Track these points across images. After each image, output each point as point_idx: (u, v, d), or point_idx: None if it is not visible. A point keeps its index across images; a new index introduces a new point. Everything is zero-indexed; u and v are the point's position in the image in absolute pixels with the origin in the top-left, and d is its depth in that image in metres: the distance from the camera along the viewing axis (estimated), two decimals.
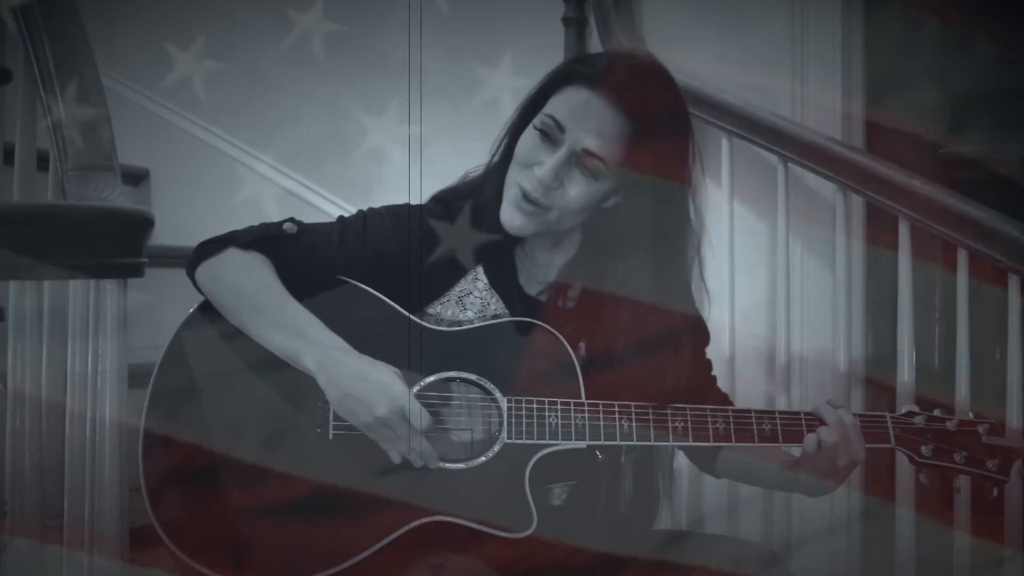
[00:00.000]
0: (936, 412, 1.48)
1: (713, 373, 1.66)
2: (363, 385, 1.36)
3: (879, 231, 2.37)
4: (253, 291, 1.44)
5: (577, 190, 1.44)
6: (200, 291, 1.48)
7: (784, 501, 2.32)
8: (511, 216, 1.46)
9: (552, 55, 2.55)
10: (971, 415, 1.49)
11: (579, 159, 1.42)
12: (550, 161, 1.42)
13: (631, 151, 1.42)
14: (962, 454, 1.45)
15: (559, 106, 1.44)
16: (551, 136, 1.43)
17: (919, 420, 1.47)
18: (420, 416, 1.36)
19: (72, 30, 1.76)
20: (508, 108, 1.56)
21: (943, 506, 2.04)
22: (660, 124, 1.44)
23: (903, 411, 1.48)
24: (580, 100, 1.42)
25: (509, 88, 1.55)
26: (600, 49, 2.48)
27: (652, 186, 1.44)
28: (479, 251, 1.52)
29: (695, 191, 1.50)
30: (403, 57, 2.85)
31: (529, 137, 1.46)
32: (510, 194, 1.46)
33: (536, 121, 1.45)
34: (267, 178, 3.04)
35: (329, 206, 2.91)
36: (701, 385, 1.61)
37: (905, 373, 2.14)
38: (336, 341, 1.40)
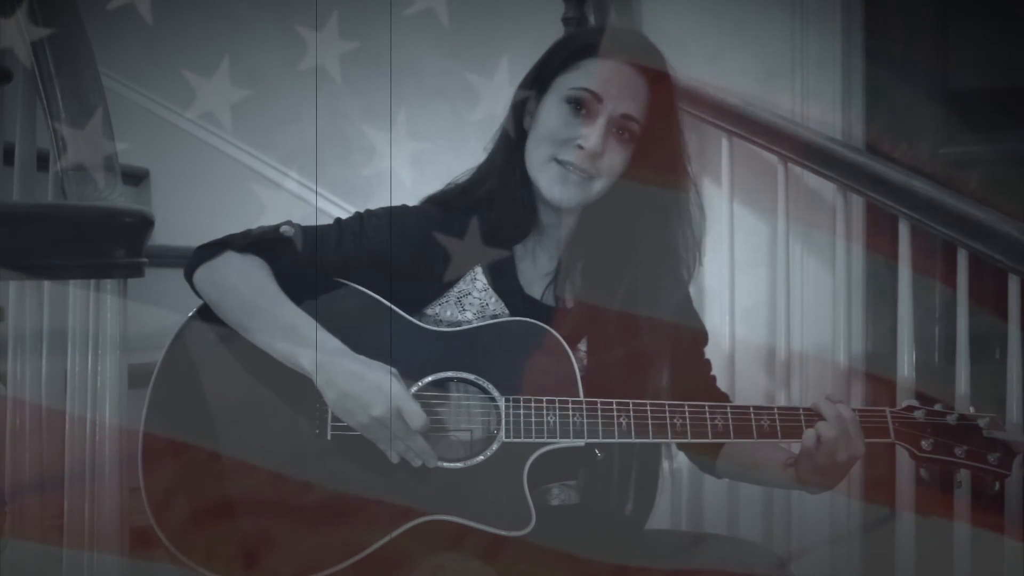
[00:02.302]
0: (937, 407, 1.48)
1: (713, 373, 1.66)
2: (359, 385, 1.36)
3: (879, 231, 2.38)
4: (250, 294, 1.44)
5: (616, 156, 1.48)
6: (198, 295, 1.49)
7: (784, 501, 2.32)
8: (556, 192, 1.48)
9: None
10: (972, 410, 1.49)
11: (617, 124, 1.46)
12: (595, 130, 1.45)
13: (653, 109, 1.48)
14: (963, 448, 1.44)
15: (589, 78, 1.47)
16: (587, 107, 1.46)
17: (919, 415, 1.46)
18: (416, 416, 1.36)
19: (72, 30, 1.75)
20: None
21: (943, 504, 2.04)
22: (667, 84, 1.51)
23: (903, 406, 1.48)
24: (605, 67, 1.47)
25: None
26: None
27: (660, 144, 1.50)
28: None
29: (687, 149, 1.55)
30: (404, 62, 2.85)
31: (557, 113, 1.48)
32: (550, 172, 1.48)
33: (568, 95, 1.47)
34: (272, 181, 3.04)
35: (334, 209, 2.91)
36: (701, 385, 1.61)
37: (905, 369, 2.14)
38: (333, 343, 1.40)
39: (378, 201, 1.60)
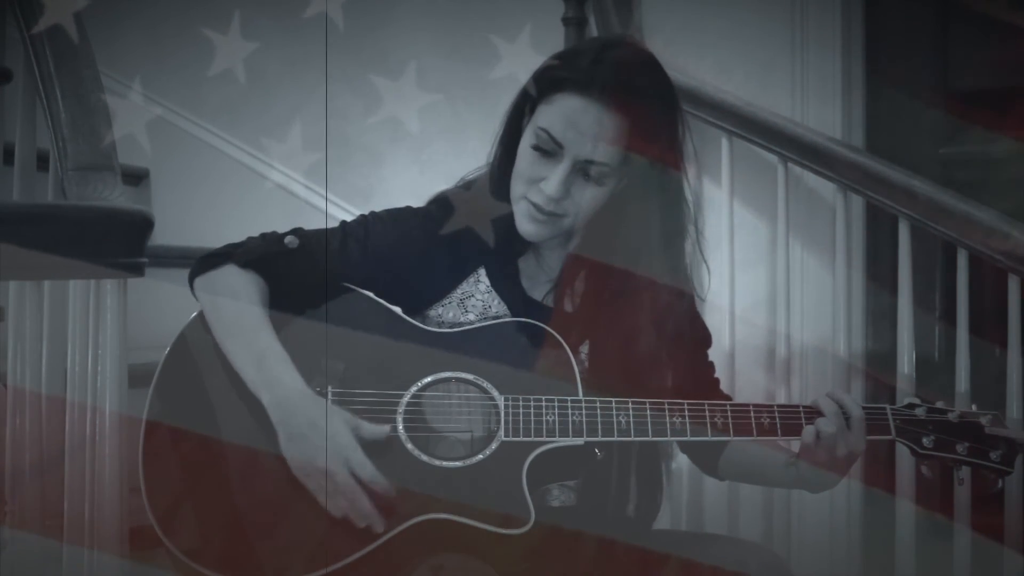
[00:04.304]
0: (938, 404, 1.48)
1: (716, 376, 1.65)
2: (312, 430, 1.36)
3: (879, 231, 2.38)
4: (232, 316, 1.44)
5: (586, 196, 1.45)
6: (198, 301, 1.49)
7: (784, 501, 2.32)
8: (527, 228, 1.47)
9: None
10: (973, 407, 1.49)
11: (583, 168, 1.43)
12: (555, 176, 1.42)
13: (631, 143, 1.42)
14: (964, 445, 1.44)
15: (553, 118, 1.42)
16: (550, 152, 1.43)
17: (920, 412, 1.45)
18: (363, 465, 1.35)
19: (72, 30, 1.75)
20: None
21: (943, 504, 2.04)
22: (652, 110, 1.45)
23: (904, 403, 1.47)
24: (573, 109, 1.41)
25: (508, 91, 1.55)
26: None
27: (651, 167, 1.45)
28: (483, 250, 1.51)
29: (688, 166, 1.51)
30: (403, 55, 2.86)
31: (527, 153, 1.45)
32: (520, 208, 1.47)
33: (531, 138, 1.44)
34: (272, 180, 3.04)
35: (336, 210, 2.91)
36: (704, 388, 1.61)
37: (905, 366, 2.14)
38: (297, 382, 1.39)
39: (380, 202, 1.60)
